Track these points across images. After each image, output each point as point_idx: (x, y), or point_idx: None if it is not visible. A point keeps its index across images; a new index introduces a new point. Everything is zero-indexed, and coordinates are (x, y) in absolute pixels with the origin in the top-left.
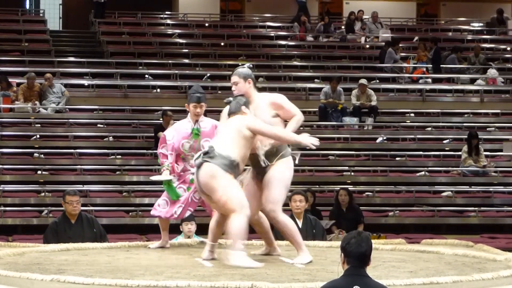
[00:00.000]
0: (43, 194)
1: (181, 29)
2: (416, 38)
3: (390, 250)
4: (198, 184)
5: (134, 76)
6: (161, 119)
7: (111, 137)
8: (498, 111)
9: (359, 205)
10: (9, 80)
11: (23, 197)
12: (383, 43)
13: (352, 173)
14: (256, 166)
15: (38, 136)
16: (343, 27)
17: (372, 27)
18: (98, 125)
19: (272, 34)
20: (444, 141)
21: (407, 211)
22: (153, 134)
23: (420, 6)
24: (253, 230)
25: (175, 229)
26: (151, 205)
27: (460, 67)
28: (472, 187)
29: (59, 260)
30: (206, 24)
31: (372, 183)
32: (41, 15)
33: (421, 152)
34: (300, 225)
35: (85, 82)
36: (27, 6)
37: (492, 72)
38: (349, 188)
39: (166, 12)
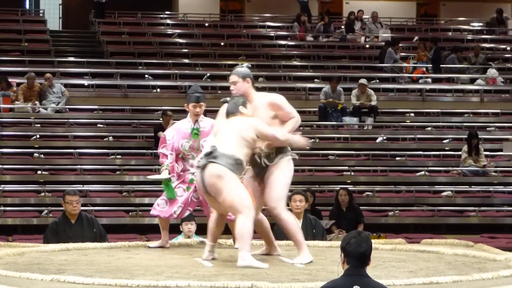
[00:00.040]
0: (43, 194)
1: (181, 29)
2: (416, 38)
3: (390, 250)
4: (202, 185)
5: (134, 76)
6: (161, 119)
7: (111, 137)
8: (498, 111)
9: (359, 205)
10: (9, 80)
11: (23, 197)
12: (383, 43)
13: (352, 173)
14: (256, 166)
15: (38, 136)
16: (343, 27)
17: (372, 27)
18: (98, 125)
19: (272, 34)
20: (444, 141)
21: (407, 211)
22: (153, 134)
23: (420, 6)
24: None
25: (175, 229)
26: (151, 205)
27: (460, 67)
28: (472, 187)
29: (59, 260)
30: (206, 24)
31: (372, 183)
32: (41, 15)
33: (421, 152)
34: (300, 225)
35: (85, 82)
36: (27, 6)
37: (492, 72)
38: (349, 188)
39: (166, 12)
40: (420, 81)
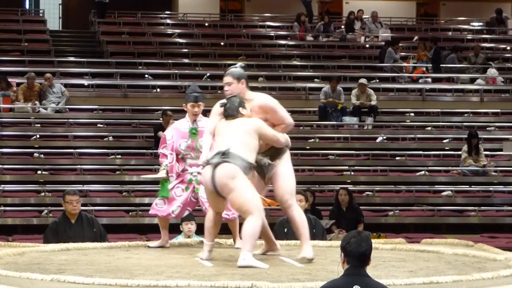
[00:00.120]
0: (43, 194)
1: (180, 29)
2: (416, 37)
3: (390, 249)
4: (212, 183)
5: (134, 76)
6: (161, 119)
7: (111, 137)
8: (498, 110)
9: (359, 205)
10: (9, 80)
11: (23, 197)
12: (383, 43)
13: (352, 173)
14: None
15: (38, 136)
16: (342, 26)
17: (372, 27)
18: (98, 125)
19: (272, 34)
20: (444, 141)
21: (407, 211)
22: (153, 134)
23: (420, 5)
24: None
25: (175, 229)
26: (151, 205)
27: (460, 67)
28: (472, 186)
29: (59, 260)
30: (206, 24)
31: (372, 182)
32: (41, 15)
33: (421, 152)
34: None
35: (85, 82)
36: (27, 6)
37: (492, 71)
38: (349, 188)
39: (166, 12)
40: (420, 80)
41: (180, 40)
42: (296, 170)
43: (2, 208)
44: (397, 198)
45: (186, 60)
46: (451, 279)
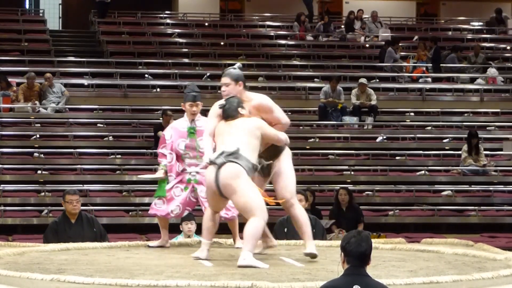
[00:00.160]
0: (43, 194)
1: (180, 29)
2: (416, 37)
3: (390, 249)
4: (216, 184)
5: (134, 75)
6: (161, 118)
7: (111, 137)
8: (498, 110)
9: (359, 205)
10: (9, 80)
11: (23, 196)
12: (383, 43)
13: (352, 173)
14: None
15: (38, 136)
16: (342, 26)
17: (371, 27)
18: (98, 125)
19: (272, 34)
20: (444, 141)
21: (407, 210)
22: (153, 133)
23: (419, 5)
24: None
25: (175, 229)
26: (151, 204)
27: (460, 66)
28: (472, 186)
29: (59, 260)
30: (206, 24)
31: (372, 182)
32: (40, 14)
33: (421, 152)
34: None
35: (85, 81)
36: (27, 6)
37: (492, 71)
38: (349, 188)
39: (166, 12)
40: (420, 80)
41: (180, 40)
42: (296, 170)
43: (2, 208)
44: (397, 198)
45: (186, 60)
46: (451, 278)
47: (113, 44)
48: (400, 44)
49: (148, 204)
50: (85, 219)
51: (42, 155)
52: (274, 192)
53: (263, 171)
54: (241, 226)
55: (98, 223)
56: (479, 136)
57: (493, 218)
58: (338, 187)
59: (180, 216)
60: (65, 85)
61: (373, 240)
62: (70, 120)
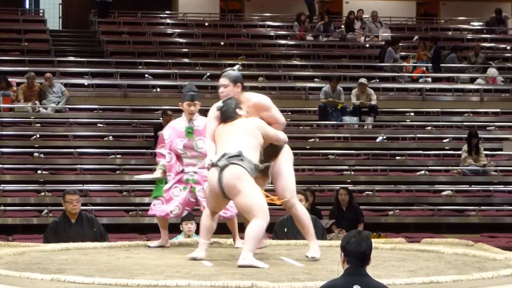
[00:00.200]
0: (43, 193)
1: (181, 29)
2: (416, 37)
3: (390, 249)
4: (219, 185)
5: (134, 75)
6: (161, 118)
7: (111, 137)
8: (498, 110)
9: (359, 204)
10: (9, 80)
11: (23, 196)
12: (383, 42)
13: (352, 173)
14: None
15: (38, 135)
16: (342, 26)
17: (371, 26)
18: (98, 125)
19: (272, 34)
20: (444, 140)
21: (407, 210)
22: (153, 133)
23: (419, 5)
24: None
25: (175, 229)
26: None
27: (460, 66)
28: (472, 186)
29: (59, 260)
30: (206, 24)
31: (372, 182)
32: (40, 14)
33: (421, 151)
34: None
35: (85, 81)
36: (27, 6)
37: (492, 71)
38: (349, 187)
39: (166, 12)
40: (420, 80)
41: (180, 40)
42: (296, 170)
43: (2, 208)
44: (397, 198)
45: (186, 60)
46: (451, 278)
47: (113, 44)
48: (400, 44)
49: (148, 204)
50: (85, 219)
51: (42, 155)
52: (275, 193)
53: (262, 171)
54: (240, 225)
55: (98, 223)
56: (479, 136)
57: (493, 218)
58: (338, 187)
59: (180, 216)
60: (65, 85)
61: (373, 240)
62: (70, 120)
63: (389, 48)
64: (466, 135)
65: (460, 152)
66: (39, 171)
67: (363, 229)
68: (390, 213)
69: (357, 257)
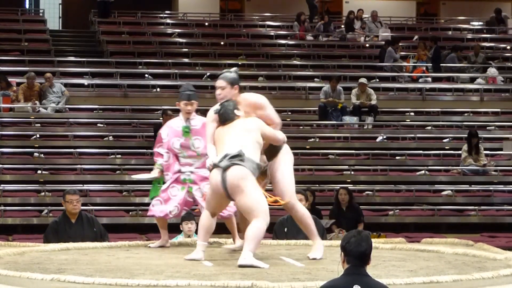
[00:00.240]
0: (43, 193)
1: (180, 29)
2: (416, 37)
3: (390, 249)
4: (223, 186)
5: (134, 75)
6: (161, 118)
7: (111, 137)
8: (498, 110)
9: (359, 204)
10: (9, 79)
11: (23, 196)
12: (383, 42)
13: (352, 172)
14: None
15: (38, 135)
16: (342, 26)
17: (371, 26)
18: (98, 125)
19: (272, 33)
20: (444, 140)
21: (407, 210)
22: (153, 133)
23: (419, 5)
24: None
25: (175, 229)
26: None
27: (460, 66)
28: (472, 186)
29: (59, 260)
30: (206, 24)
31: (372, 182)
32: (40, 14)
33: (421, 151)
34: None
35: (85, 81)
36: (27, 6)
37: (492, 71)
38: (349, 187)
39: (166, 12)
40: (420, 80)
41: (180, 40)
42: (296, 170)
43: (2, 207)
44: (397, 198)
45: (186, 60)
46: (451, 278)
47: (113, 44)
48: (400, 44)
49: (148, 204)
50: (85, 219)
51: (42, 155)
52: (274, 193)
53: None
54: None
55: (98, 223)
56: (479, 136)
57: (493, 218)
58: (338, 187)
59: (178, 216)
60: (65, 85)
61: (373, 240)
62: (70, 120)
63: (389, 48)
64: (466, 135)
65: (460, 152)
66: (39, 171)
67: (363, 229)
68: (390, 213)
69: (357, 257)
